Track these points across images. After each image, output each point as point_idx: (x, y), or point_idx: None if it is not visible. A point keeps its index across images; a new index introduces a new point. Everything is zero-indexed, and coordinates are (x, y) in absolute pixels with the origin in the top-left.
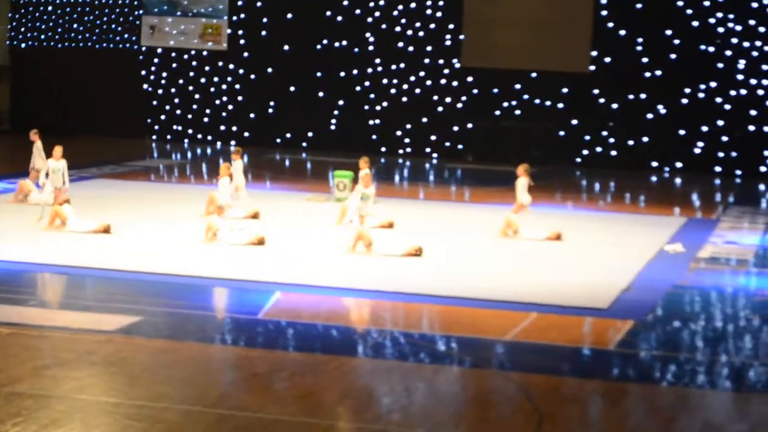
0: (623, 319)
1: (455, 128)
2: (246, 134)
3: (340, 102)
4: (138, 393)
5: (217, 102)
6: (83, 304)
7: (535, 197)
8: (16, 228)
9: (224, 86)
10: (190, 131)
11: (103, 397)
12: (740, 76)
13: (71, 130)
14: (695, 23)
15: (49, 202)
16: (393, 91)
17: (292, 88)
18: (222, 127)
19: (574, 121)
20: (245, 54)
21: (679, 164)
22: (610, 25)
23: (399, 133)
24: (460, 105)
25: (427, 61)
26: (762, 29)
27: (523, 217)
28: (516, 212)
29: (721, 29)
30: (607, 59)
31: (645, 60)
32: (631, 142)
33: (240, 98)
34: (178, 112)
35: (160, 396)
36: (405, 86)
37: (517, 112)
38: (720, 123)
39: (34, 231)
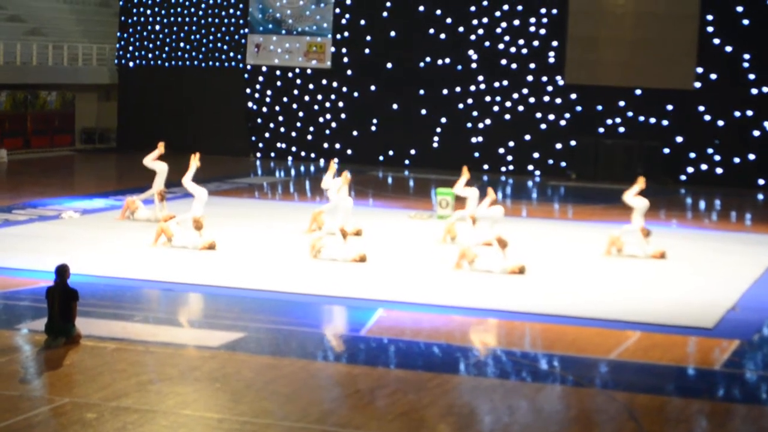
0: (729, 339)
1: (558, 146)
2: (349, 152)
3: (443, 119)
4: (241, 409)
5: (321, 120)
6: (187, 320)
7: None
8: (123, 244)
9: (328, 104)
10: (293, 149)
11: (206, 413)
12: None
13: (176, 148)
14: None
15: (157, 218)
16: (496, 108)
17: (395, 106)
18: (325, 145)
19: (679, 139)
20: (349, 72)
21: None
22: (716, 41)
23: (501, 150)
24: (563, 122)
25: (530, 78)
26: None
27: (633, 236)
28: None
29: None
30: (713, 76)
31: (752, 76)
32: (737, 160)
33: (343, 116)
34: (282, 129)
35: (264, 412)
36: (508, 103)
37: (621, 129)
38: None
39: (140, 247)
